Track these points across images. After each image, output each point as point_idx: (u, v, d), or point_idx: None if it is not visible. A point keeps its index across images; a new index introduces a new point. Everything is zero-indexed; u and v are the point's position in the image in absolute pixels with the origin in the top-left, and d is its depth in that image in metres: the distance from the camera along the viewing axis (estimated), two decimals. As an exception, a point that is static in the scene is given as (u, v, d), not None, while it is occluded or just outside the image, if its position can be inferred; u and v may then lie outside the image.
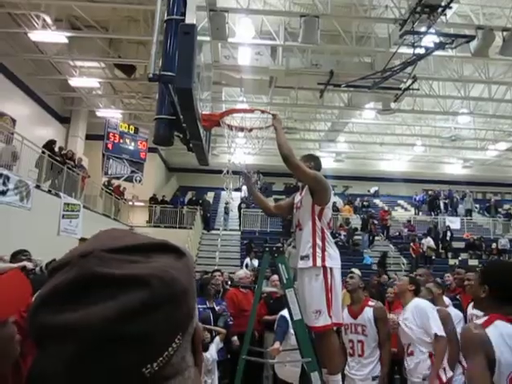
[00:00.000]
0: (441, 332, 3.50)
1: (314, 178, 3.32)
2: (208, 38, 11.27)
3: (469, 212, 22.92)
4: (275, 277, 5.31)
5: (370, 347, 3.82)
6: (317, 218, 3.32)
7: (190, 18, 3.05)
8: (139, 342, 0.49)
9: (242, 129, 3.67)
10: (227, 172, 4.77)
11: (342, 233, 18.21)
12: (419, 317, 3.58)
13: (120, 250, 0.53)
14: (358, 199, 23.19)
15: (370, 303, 3.95)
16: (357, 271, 6.27)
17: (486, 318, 2.00)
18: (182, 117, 3.30)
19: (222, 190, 23.18)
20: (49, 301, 0.50)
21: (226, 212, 20.43)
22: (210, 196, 23.18)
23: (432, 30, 11.03)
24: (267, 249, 3.30)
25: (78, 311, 0.48)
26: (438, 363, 3.46)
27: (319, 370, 3.17)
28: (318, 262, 3.21)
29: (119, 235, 0.58)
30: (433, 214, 22.53)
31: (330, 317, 3.17)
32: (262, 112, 3.71)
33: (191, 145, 3.79)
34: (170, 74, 3.05)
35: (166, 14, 3.60)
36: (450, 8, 10.62)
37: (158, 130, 3.43)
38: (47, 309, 0.49)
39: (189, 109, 3.10)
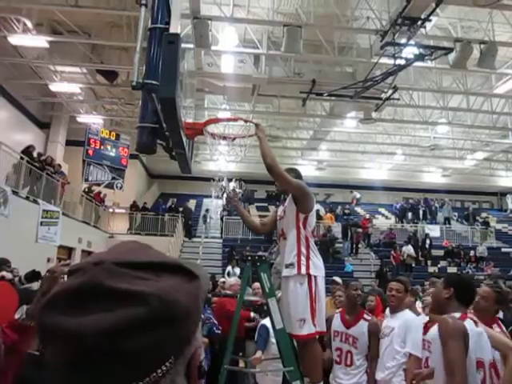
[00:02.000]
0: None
1: (296, 187, 3.34)
2: (191, 46, 11.27)
3: (447, 220, 23.30)
4: (257, 284, 5.28)
5: (359, 359, 3.78)
6: (301, 226, 3.34)
7: (174, 27, 3.05)
8: (128, 358, 0.50)
9: (224, 137, 3.67)
10: (216, 180, 4.77)
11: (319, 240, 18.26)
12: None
13: (130, 264, 0.55)
14: (340, 207, 23.37)
15: (365, 316, 3.91)
16: (338, 279, 6.33)
17: (458, 314, 2.37)
18: (164, 125, 3.29)
19: (204, 197, 23.17)
20: (54, 301, 0.52)
21: (205, 219, 20.36)
22: (191, 203, 23.10)
23: (412, 42, 11.24)
24: (249, 258, 3.29)
25: (76, 318, 0.50)
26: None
27: (301, 378, 3.17)
28: (303, 270, 3.22)
29: (134, 250, 0.60)
30: (410, 222, 22.88)
31: (314, 325, 3.18)
32: (245, 121, 3.73)
33: (174, 153, 3.77)
34: (153, 82, 3.05)
35: (149, 22, 3.59)
36: (430, 21, 10.85)
37: (141, 138, 3.41)
38: (51, 309, 0.52)
39: (172, 117, 3.10)
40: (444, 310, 2.52)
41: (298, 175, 3.56)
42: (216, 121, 3.86)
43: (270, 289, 3.25)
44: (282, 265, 3.41)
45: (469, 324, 2.33)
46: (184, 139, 3.49)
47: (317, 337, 3.42)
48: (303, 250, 3.27)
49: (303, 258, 3.25)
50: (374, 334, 3.80)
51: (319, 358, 3.33)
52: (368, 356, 3.81)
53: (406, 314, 3.82)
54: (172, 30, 3.06)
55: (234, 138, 3.76)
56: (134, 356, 0.50)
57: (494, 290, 3.65)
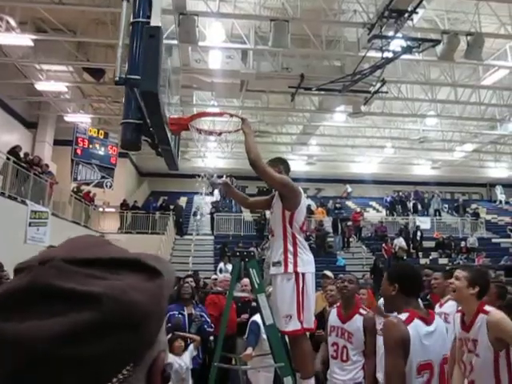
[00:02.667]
0: None
1: (280, 183, 3.28)
2: (175, 42, 11.17)
3: (437, 212, 23.46)
4: (246, 280, 5.25)
5: (355, 354, 3.68)
6: (287, 224, 3.29)
7: (155, 21, 3.00)
8: (81, 366, 0.45)
9: (210, 132, 3.62)
10: (202, 177, 4.73)
11: (313, 235, 18.32)
12: None
13: (83, 262, 0.49)
14: (331, 201, 23.41)
15: (361, 311, 3.79)
16: (329, 273, 6.31)
17: (406, 314, 2.31)
18: (148, 121, 3.24)
19: (195, 194, 23.11)
20: None
21: (195, 215, 20.33)
22: (182, 201, 23.01)
23: (399, 35, 11.23)
24: (238, 253, 3.26)
25: (24, 323, 0.44)
26: None
27: (292, 374, 3.15)
28: (290, 268, 3.18)
29: (89, 245, 0.54)
30: (400, 215, 23.00)
31: (301, 322, 3.14)
32: (231, 116, 3.68)
33: (160, 149, 3.72)
34: (135, 77, 2.99)
35: (131, 17, 3.53)
36: (417, 13, 10.85)
37: (125, 135, 3.35)
38: None
39: (155, 113, 3.04)
40: (395, 307, 2.46)
41: (286, 167, 3.50)
42: (201, 115, 3.80)
43: (259, 284, 3.22)
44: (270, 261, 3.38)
45: (415, 326, 2.25)
46: (169, 135, 3.44)
47: (307, 333, 3.39)
48: (290, 247, 3.23)
49: (290, 256, 3.21)
50: (369, 330, 3.68)
51: (308, 353, 3.30)
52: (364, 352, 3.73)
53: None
54: (153, 24, 3.00)
55: (221, 133, 3.70)
56: (87, 363, 0.45)
57: (496, 284, 3.65)
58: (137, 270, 0.52)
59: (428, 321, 2.34)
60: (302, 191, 3.44)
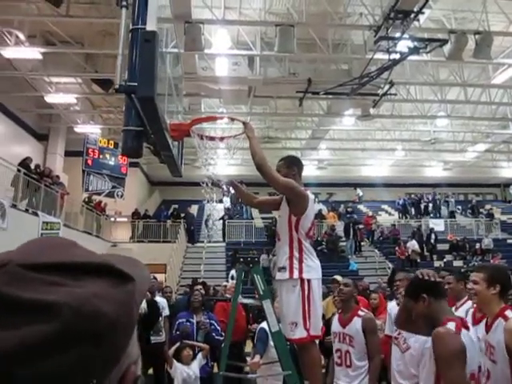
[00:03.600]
0: None
1: (285, 187, 3.21)
2: (176, 50, 11.18)
3: (452, 214, 23.17)
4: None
5: (358, 359, 3.62)
6: (293, 229, 3.22)
7: (150, 26, 2.98)
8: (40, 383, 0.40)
9: (212, 138, 3.58)
10: (207, 184, 4.70)
11: (325, 240, 18.21)
12: None
13: (43, 266, 0.44)
14: (342, 206, 23.25)
15: (359, 313, 3.75)
16: (339, 278, 6.21)
17: (453, 323, 2.10)
18: (148, 128, 3.22)
19: (206, 201, 23.12)
20: None
21: (206, 224, 20.30)
22: (193, 209, 23.03)
23: (406, 36, 11.14)
24: (241, 259, 3.20)
25: None
26: None
27: (301, 382, 3.07)
28: (295, 274, 3.12)
29: (50, 247, 0.50)
30: (413, 218, 22.76)
31: (307, 330, 3.06)
32: (232, 120, 3.64)
33: (162, 156, 3.70)
34: (133, 84, 2.98)
35: (131, 24, 3.53)
36: (423, 13, 10.77)
37: (126, 142, 3.34)
38: None
39: (154, 118, 3.01)
40: (430, 318, 2.24)
41: (300, 169, 3.41)
42: (202, 120, 3.77)
43: (263, 291, 3.16)
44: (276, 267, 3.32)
45: (464, 336, 2.10)
46: (170, 141, 3.41)
47: (316, 341, 3.31)
48: (296, 253, 3.17)
49: (296, 262, 3.15)
50: (369, 330, 3.64)
51: (316, 361, 3.22)
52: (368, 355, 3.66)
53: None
54: (149, 28, 2.98)
55: (223, 138, 3.66)
56: (43, 382, 0.40)
57: None
58: (104, 275, 0.46)
59: (467, 327, 2.21)
60: (310, 196, 3.33)
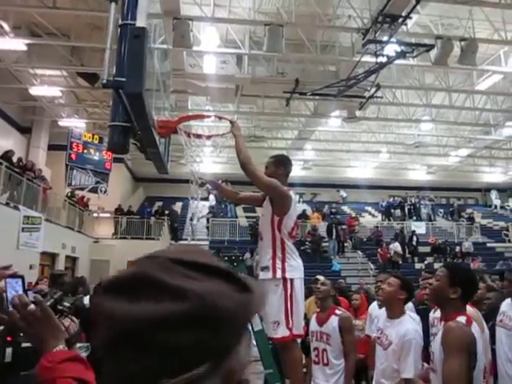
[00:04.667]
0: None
1: (268, 186, 3.23)
2: (165, 46, 11.13)
3: (429, 217, 23.52)
4: None
5: (335, 357, 3.66)
6: (276, 229, 3.23)
7: (140, 21, 2.96)
8: (166, 351, 0.51)
9: (199, 135, 3.57)
10: (194, 183, 4.70)
11: (308, 239, 18.30)
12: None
13: (184, 263, 0.56)
14: (327, 206, 23.39)
15: (336, 312, 3.79)
16: (321, 278, 6.25)
17: (463, 317, 2.14)
18: (135, 123, 3.20)
19: (191, 199, 23.05)
20: (108, 287, 0.56)
21: (191, 219, 20.23)
22: (177, 206, 22.93)
23: (393, 40, 11.26)
24: (225, 258, 3.21)
25: (128, 304, 0.53)
26: None
27: (281, 381, 3.09)
28: (278, 274, 3.14)
29: (193, 252, 0.62)
30: (396, 220, 23.03)
31: (289, 329, 3.09)
32: (220, 118, 3.64)
33: (148, 153, 3.67)
34: (121, 79, 2.96)
35: (120, 19, 3.50)
36: (410, 18, 10.89)
37: (112, 138, 3.31)
38: (104, 293, 0.56)
39: (141, 115, 3.00)
40: (447, 311, 2.25)
41: (287, 168, 3.43)
42: (189, 118, 3.76)
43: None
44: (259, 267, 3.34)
45: (474, 329, 2.11)
46: (157, 138, 3.40)
47: (298, 340, 3.34)
48: (278, 253, 3.19)
49: (278, 262, 3.17)
50: (346, 329, 3.69)
51: (298, 360, 3.25)
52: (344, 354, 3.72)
53: (405, 321, 3.02)
54: (138, 24, 2.97)
55: (210, 136, 3.66)
56: (170, 350, 0.51)
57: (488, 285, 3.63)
58: (228, 280, 0.57)
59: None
60: (292, 196, 3.36)
